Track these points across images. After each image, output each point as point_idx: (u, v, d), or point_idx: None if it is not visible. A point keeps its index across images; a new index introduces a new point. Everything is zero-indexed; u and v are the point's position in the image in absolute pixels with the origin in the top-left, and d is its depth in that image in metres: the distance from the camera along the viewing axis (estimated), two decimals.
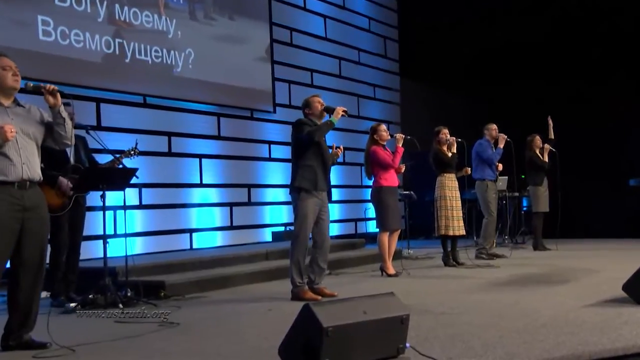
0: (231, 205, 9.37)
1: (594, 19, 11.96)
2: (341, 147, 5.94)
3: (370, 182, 7.19)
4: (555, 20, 12.29)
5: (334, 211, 11.07)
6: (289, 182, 5.75)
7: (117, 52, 7.88)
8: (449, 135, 7.90)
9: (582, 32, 12.01)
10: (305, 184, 5.51)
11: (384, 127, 7.28)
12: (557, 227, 9.38)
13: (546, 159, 9.47)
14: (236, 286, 6.55)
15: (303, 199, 5.51)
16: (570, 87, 11.90)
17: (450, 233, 7.70)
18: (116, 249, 6.21)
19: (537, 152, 9.53)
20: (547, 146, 9.51)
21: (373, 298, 3.34)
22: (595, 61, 11.94)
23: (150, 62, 8.26)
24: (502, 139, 8.49)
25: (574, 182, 11.23)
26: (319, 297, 5.42)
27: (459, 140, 7.99)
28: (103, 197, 5.32)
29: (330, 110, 5.65)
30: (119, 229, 6.10)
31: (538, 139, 9.57)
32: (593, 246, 10.08)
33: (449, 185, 7.78)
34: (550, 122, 9.70)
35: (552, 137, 9.65)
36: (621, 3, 11.65)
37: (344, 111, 5.63)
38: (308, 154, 5.55)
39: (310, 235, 5.62)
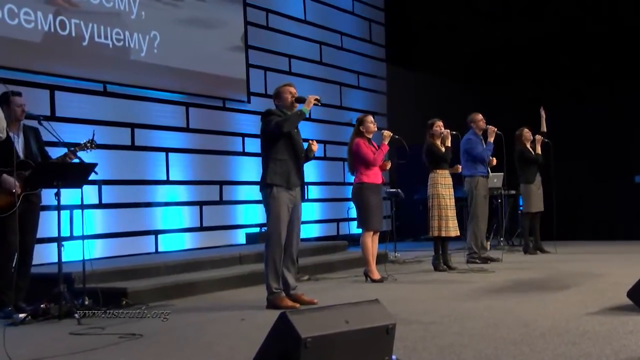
0: (201, 204, 9.33)
1: (594, 19, 12.22)
2: (314, 142, 5.87)
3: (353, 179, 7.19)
4: (555, 20, 12.51)
5: (314, 211, 11.08)
6: None
7: (74, 34, 7.78)
8: (443, 128, 7.90)
9: (582, 32, 12.30)
10: (277, 179, 5.52)
11: (371, 118, 7.26)
12: (553, 228, 9.38)
13: (539, 150, 9.46)
14: (206, 293, 6.52)
15: (275, 196, 5.50)
16: (571, 87, 12.14)
17: (444, 234, 7.72)
18: (72, 252, 6.16)
19: (528, 145, 9.53)
20: (538, 137, 9.47)
21: (356, 306, 3.33)
22: (595, 61, 12.18)
23: (110, 45, 8.17)
24: (492, 132, 8.39)
25: (576, 180, 11.37)
26: (297, 305, 5.42)
27: (454, 133, 7.98)
28: (58, 195, 5.26)
29: (302, 101, 5.66)
30: (76, 231, 6.03)
31: (527, 132, 9.52)
32: (596, 249, 10.17)
33: (442, 183, 7.79)
34: (543, 113, 9.71)
35: (545, 129, 9.66)
36: (621, 3, 11.90)
37: (316, 99, 5.63)
38: (278, 147, 5.56)
39: None
